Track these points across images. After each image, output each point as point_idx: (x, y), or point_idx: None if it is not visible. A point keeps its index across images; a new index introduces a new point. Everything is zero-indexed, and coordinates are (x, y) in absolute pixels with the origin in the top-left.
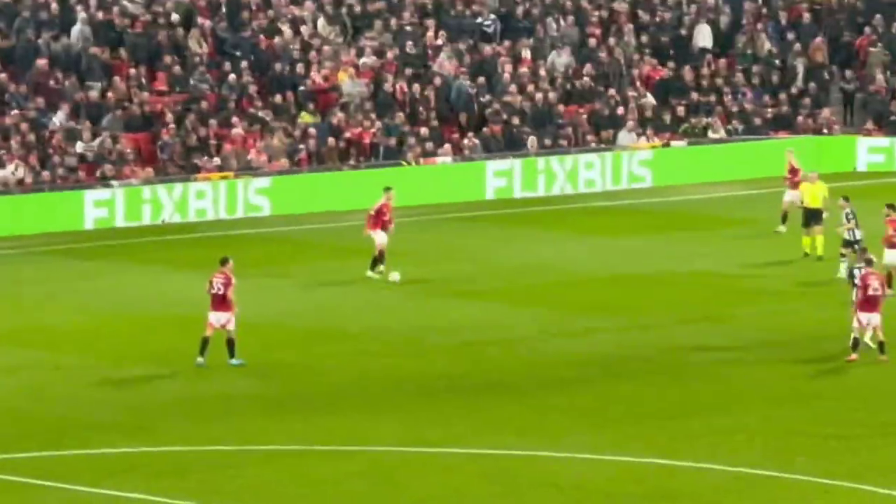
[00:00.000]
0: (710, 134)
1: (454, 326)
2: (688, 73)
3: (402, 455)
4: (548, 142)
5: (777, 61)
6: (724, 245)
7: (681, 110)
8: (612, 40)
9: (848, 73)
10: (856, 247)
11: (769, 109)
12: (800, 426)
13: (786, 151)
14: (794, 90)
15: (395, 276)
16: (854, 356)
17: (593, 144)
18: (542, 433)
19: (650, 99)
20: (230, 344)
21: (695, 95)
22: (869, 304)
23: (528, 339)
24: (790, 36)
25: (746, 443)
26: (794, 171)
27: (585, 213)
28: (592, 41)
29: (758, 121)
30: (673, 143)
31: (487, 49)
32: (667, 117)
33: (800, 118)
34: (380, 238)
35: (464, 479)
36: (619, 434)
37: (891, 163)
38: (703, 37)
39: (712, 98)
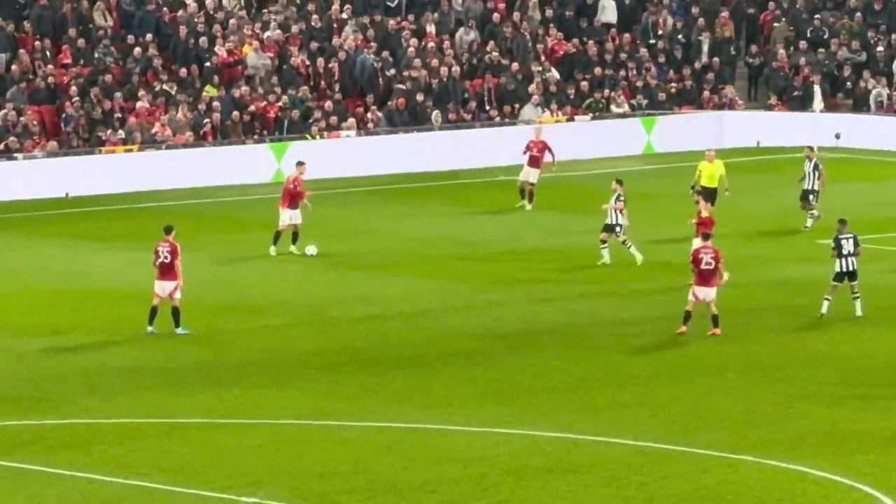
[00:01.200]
0: (614, 108)
1: (358, 300)
2: (592, 47)
3: (305, 428)
4: (452, 116)
5: (681, 36)
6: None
7: (585, 85)
8: (516, 15)
9: (753, 48)
10: (618, 230)
11: (673, 85)
12: (703, 400)
13: (534, 128)
14: (698, 65)
15: (311, 249)
16: (684, 328)
17: (497, 119)
18: (446, 407)
19: (555, 73)
20: (175, 313)
21: (599, 70)
22: (702, 278)
23: (431, 313)
24: (694, 11)
25: (650, 417)
26: (536, 146)
27: (488, 187)
28: (497, 16)
29: (662, 96)
30: (577, 117)
31: (392, 23)
32: (571, 92)
33: (704, 93)
34: (285, 216)
35: (368, 452)
36: (523, 408)
37: (793, 138)
38: (608, 11)
39: (617, 73)
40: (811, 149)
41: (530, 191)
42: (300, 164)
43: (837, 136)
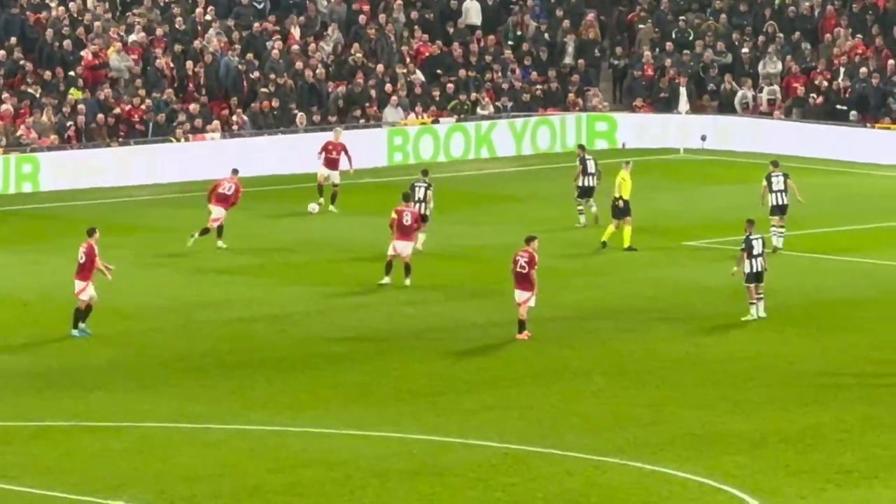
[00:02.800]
0: (479, 110)
1: (223, 303)
2: (457, 49)
3: (171, 431)
4: (316, 118)
5: (546, 37)
6: (493, 221)
7: (450, 87)
8: (381, 17)
9: (618, 49)
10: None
11: (538, 86)
12: (570, 403)
13: (334, 130)
14: (563, 67)
15: (313, 206)
16: (519, 336)
17: (361, 121)
18: (311, 409)
19: (419, 75)
20: (77, 313)
21: (464, 72)
22: (518, 281)
23: (297, 316)
24: (559, 13)
25: (517, 419)
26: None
27: (354, 189)
28: (362, 18)
29: (526, 97)
30: (441, 119)
31: (257, 26)
32: (436, 94)
33: (569, 95)
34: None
35: (233, 454)
36: (389, 411)
37: (665, 138)
38: (472, 13)
39: (482, 75)
40: (582, 147)
41: (334, 192)
42: (235, 171)
43: (703, 138)
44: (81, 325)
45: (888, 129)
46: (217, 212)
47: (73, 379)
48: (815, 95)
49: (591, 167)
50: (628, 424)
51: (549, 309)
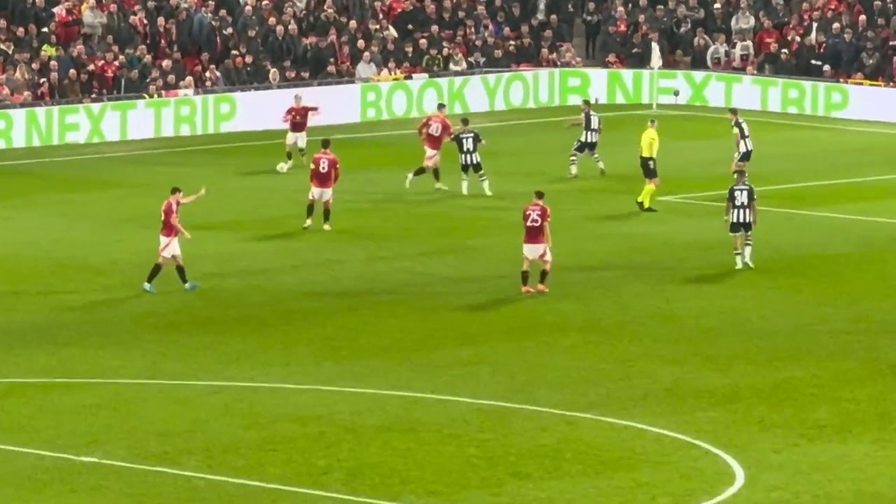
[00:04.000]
0: (452, 66)
1: (195, 259)
2: (430, 5)
3: (144, 387)
4: (290, 74)
5: None
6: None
7: (423, 43)
8: None
9: (591, 5)
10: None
11: (511, 42)
12: (543, 358)
13: (294, 96)
14: (535, 23)
15: (281, 166)
16: (526, 289)
17: (335, 77)
18: (284, 366)
19: (392, 31)
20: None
21: (436, 28)
22: (530, 235)
23: (269, 272)
24: None
25: (490, 375)
26: (299, 113)
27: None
28: None
29: (499, 53)
30: (415, 75)
31: None
32: (409, 50)
33: (542, 51)
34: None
35: (206, 411)
36: (362, 366)
37: (638, 95)
38: None
39: (455, 31)
40: (586, 102)
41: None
42: (441, 106)
43: (676, 94)
44: (185, 284)
45: (861, 84)
46: (430, 152)
47: (45, 335)
48: (787, 51)
49: (594, 123)
50: (601, 380)
51: (519, 264)
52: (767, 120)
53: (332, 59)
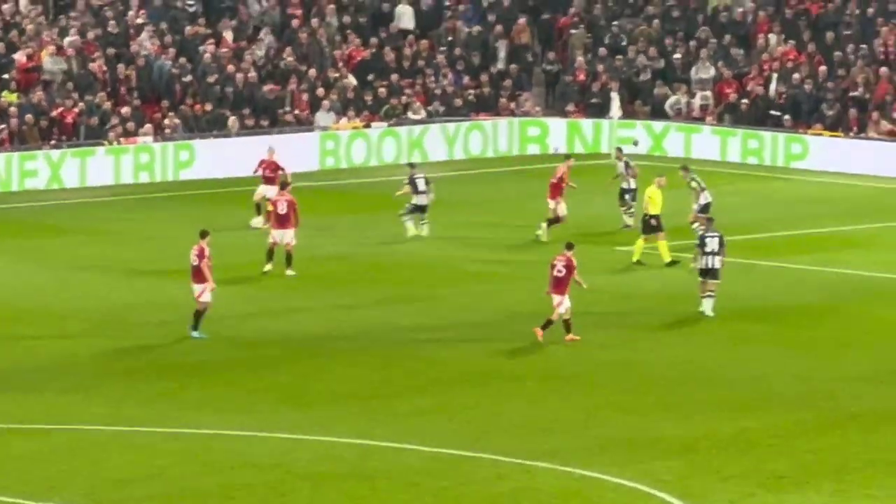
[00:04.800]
0: (411, 115)
1: (156, 306)
2: (389, 54)
3: (102, 433)
4: (249, 122)
5: (479, 42)
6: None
7: (382, 91)
8: (314, 21)
9: (550, 54)
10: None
11: (471, 91)
12: (501, 407)
13: (268, 148)
14: (495, 71)
15: (256, 221)
16: (539, 331)
17: (294, 125)
18: (243, 413)
19: (352, 80)
20: (197, 315)
21: (396, 76)
22: (555, 285)
23: (230, 319)
24: (491, 17)
25: (447, 423)
26: (269, 167)
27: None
28: (295, 22)
29: (458, 102)
30: (374, 123)
31: (189, 29)
32: (368, 98)
33: (501, 100)
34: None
35: (165, 457)
36: (321, 414)
37: (597, 145)
38: (405, 18)
39: (414, 79)
40: (619, 150)
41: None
42: (568, 157)
43: (635, 143)
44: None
45: (820, 134)
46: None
47: (5, 381)
48: (747, 101)
49: (630, 170)
50: (560, 428)
51: (481, 313)
52: (727, 170)
53: (290, 108)
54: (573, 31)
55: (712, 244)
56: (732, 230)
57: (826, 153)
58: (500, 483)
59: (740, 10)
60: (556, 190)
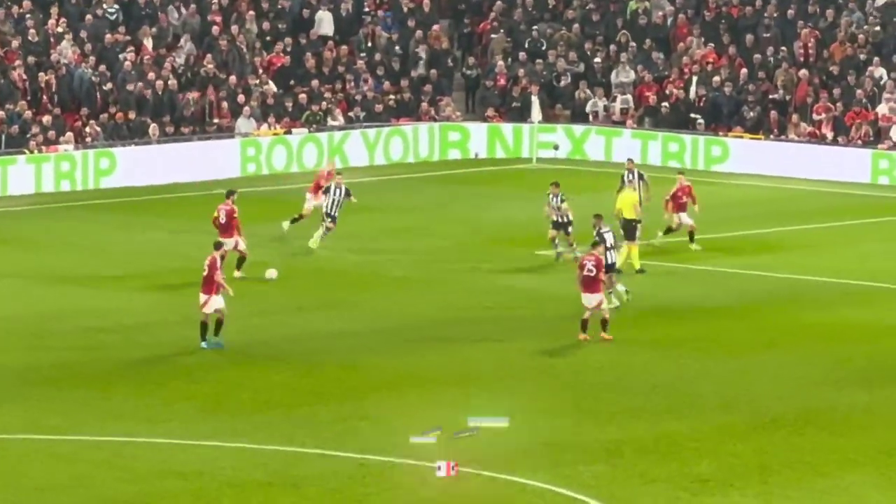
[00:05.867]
0: (331, 121)
1: (75, 314)
2: (309, 60)
3: (23, 443)
4: (169, 129)
5: (398, 48)
6: (346, 232)
7: (303, 98)
8: (234, 28)
9: (470, 59)
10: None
11: (391, 96)
12: (423, 412)
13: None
14: (415, 77)
15: (271, 273)
16: (583, 336)
17: (214, 132)
18: (165, 421)
19: (272, 86)
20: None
21: (316, 82)
22: (586, 285)
23: (150, 326)
24: (411, 23)
25: (371, 429)
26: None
27: (206, 200)
28: (215, 29)
29: (379, 108)
30: (294, 130)
31: (109, 37)
32: (289, 104)
33: (422, 105)
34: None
35: (86, 466)
36: (244, 422)
37: (518, 149)
38: (325, 24)
39: (334, 85)
40: (631, 161)
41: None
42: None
43: (556, 147)
44: (214, 338)
45: (741, 137)
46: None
47: None
48: (667, 104)
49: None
50: (481, 433)
51: (401, 318)
52: (648, 173)
53: (210, 115)
54: (493, 35)
55: (610, 238)
56: (651, 233)
57: (746, 156)
58: (423, 488)
59: (659, 13)
60: (677, 203)
